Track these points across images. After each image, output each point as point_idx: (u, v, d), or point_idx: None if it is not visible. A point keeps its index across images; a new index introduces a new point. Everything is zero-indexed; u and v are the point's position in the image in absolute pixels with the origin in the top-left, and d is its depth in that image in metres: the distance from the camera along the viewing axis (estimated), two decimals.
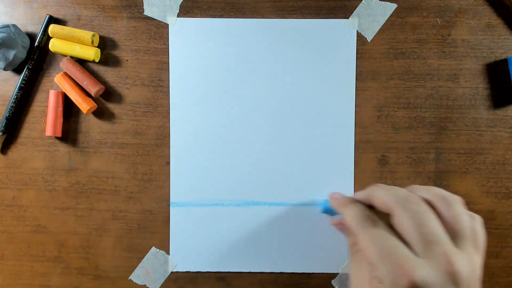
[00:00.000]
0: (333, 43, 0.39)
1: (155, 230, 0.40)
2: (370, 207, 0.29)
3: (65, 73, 0.39)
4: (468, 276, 0.24)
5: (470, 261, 0.24)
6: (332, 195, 0.34)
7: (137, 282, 0.40)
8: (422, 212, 0.25)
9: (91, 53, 0.38)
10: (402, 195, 0.27)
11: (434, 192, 0.27)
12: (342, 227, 0.34)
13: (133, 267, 0.40)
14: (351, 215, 0.28)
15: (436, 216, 0.26)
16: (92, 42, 0.38)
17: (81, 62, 0.39)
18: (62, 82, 0.39)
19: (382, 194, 0.27)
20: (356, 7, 0.39)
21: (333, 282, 0.40)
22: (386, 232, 0.26)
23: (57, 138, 0.40)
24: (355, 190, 0.39)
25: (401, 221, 0.26)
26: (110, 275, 0.40)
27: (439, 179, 0.39)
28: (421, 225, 0.25)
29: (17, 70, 0.39)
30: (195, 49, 0.39)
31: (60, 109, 0.39)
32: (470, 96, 0.39)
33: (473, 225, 0.26)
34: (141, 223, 0.40)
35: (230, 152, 0.39)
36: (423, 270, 0.23)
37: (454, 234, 0.25)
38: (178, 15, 0.39)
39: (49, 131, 0.39)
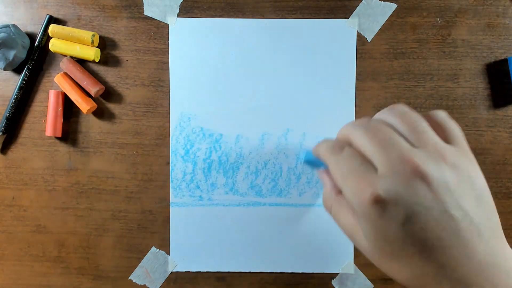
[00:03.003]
0: (333, 43, 0.39)
1: (155, 230, 0.40)
2: None
3: (65, 73, 0.39)
4: (446, 179, 0.22)
5: (442, 163, 0.23)
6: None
7: (137, 282, 0.40)
8: (373, 126, 0.25)
9: (91, 53, 0.38)
10: (356, 122, 0.26)
11: (392, 112, 0.26)
12: (322, 173, 0.32)
13: (133, 267, 0.40)
14: (322, 149, 0.27)
15: (389, 127, 0.25)
16: (92, 42, 0.38)
17: (81, 62, 0.39)
18: (62, 82, 0.39)
19: (343, 129, 0.27)
20: (356, 7, 0.39)
21: (333, 282, 0.40)
22: (349, 155, 0.25)
23: (57, 138, 0.40)
24: None
25: (357, 140, 0.25)
26: (110, 275, 0.40)
27: None
28: (374, 134, 0.24)
29: (17, 70, 0.39)
30: (195, 49, 0.39)
31: (60, 109, 0.39)
32: (470, 96, 0.39)
33: (439, 118, 0.26)
34: (141, 223, 0.40)
35: (230, 151, 0.39)
36: (383, 180, 0.23)
37: (418, 140, 0.24)
38: (178, 15, 0.39)
39: (49, 131, 0.39)
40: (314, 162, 0.30)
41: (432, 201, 0.22)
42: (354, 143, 0.25)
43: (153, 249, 0.40)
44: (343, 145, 0.26)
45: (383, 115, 0.26)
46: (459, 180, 0.23)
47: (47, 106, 0.39)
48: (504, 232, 0.39)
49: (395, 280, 0.25)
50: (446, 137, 0.25)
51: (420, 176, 0.22)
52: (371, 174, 0.23)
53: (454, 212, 0.22)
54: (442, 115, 0.26)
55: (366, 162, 0.24)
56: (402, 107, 0.26)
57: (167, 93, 0.39)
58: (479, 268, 0.22)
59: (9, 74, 0.40)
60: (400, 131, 0.25)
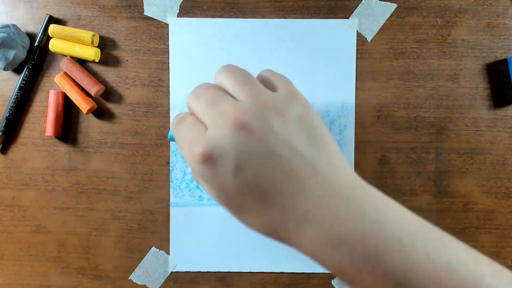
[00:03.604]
0: (333, 43, 0.39)
1: (155, 230, 0.40)
2: None
3: (65, 73, 0.39)
4: (269, 123, 0.23)
5: (264, 110, 0.24)
6: None
7: (137, 282, 0.40)
8: (202, 89, 0.26)
9: (91, 53, 0.38)
10: (193, 89, 0.27)
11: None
12: None
13: (133, 267, 0.40)
14: (172, 123, 0.28)
15: (216, 87, 0.26)
16: (92, 42, 0.38)
17: (81, 62, 0.39)
18: (62, 82, 0.39)
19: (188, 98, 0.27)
20: (356, 7, 0.39)
21: (333, 282, 0.40)
22: (187, 123, 0.25)
23: (57, 138, 0.40)
24: None
25: (191, 105, 0.26)
26: (110, 275, 0.40)
27: (439, 179, 0.39)
28: (202, 96, 0.25)
29: (17, 70, 0.39)
30: (195, 49, 0.39)
31: (60, 109, 0.39)
32: (470, 96, 0.39)
33: (264, 74, 0.27)
34: (141, 223, 0.40)
35: None
36: (208, 138, 0.23)
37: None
38: (178, 15, 0.39)
39: (49, 131, 0.39)
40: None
41: (257, 147, 0.23)
42: (191, 109, 0.26)
43: (153, 249, 0.40)
44: (184, 116, 0.26)
45: (216, 78, 0.27)
46: (284, 120, 0.23)
47: (47, 106, 0.39)
48: (504, 232, 0.39)
49: (256, 232, 0.25)
50: (272, 87, 0.26)
51: (240, 125, 0.23)
52: (201, 135, 0.24)
53: (282, 151, 0.23)
54: (267, 71, 0.27)
55: (199, 126, 0.25)
56: (230, 66, 0.27)
57: (167, 93, 0.39)
58: (319, 201, 0.22)
59: (9, 74, 0.40)
60: (227, 88, 0.25)
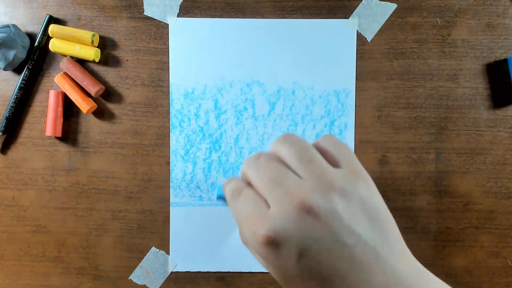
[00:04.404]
0: (333, 43, 0.39)
1: (155, 230, 0.40)
2: None
3: (65, 73, 0.39)
4: (334, 207, 0.22)
5: (329, 191, 0.23)
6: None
7: (137, 282, 0.40)
8: (263, 163, 0.25)
9: (91, 53, 0.38)
10: (250, 160, 0.26)
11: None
12: None
13: (133, 267, 0.40)
14: (226, 192, 0.27)
15: (278, 161, 0.25)
16: (92, 42, 0.38)
17: (81, 62, 0.39)
18: (62, 82, 0.39)
19: (242, 167, 0.27)
20: (356, 7, 0.39)
21: None
22: (245, 198, 0.25)
23: (57, 138, 0.40)
24: None
25: (252, 179, 0.25)
26: (110, 275, 0.40)
27: (439, 179, 0.39)
28: (264, 172, 0.24)
29: (17, 70, 0.39)
30: (195, 49, 0.39)
31: (60, 109, 0.39)
32: (470, 96, 0.39)
33: (325, 143, 0.26)
34: (141, 223, 0.40)
35: (230, 151, 0.39)
36: (273, 220, 0.22)
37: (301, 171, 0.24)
38: (178, 15, 0.39)
39: (49, 131, 0.39)
40: (223, 197, 0.30)
41: (322, 233, 0.22)
42: (251, 182, 0.25)
43: (153, 249, 0.40)
44: (241, 187, 0.26)
45: (275, 147, 0.26)
46: (348, 204, 0.23)
47: (47, 106, 0.39)
48: (504, 232, 0.39)
49: None
50: (334, 161, 0.25)
51: (306, 209, 0.22)
52: (263, 215, 0.23)
53: (346, 239, 0.22)
54: (328, 139, 0.26)
55: (261, 202, 0.24)
56: (291, 137, 0.25)
57: (167, 93, 0.39)
58: None
59: (9, 74, 0.40)
60: (289, 164, 0.25)
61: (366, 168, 0.39)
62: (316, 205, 0.22)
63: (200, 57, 0.39)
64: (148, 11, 0.39)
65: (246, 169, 0.26)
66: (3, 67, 0.38)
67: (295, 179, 0.23)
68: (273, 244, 0.22)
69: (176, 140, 0.39)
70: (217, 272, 0.40)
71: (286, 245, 0.22)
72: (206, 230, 0.40)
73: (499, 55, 0.39)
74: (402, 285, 0.22)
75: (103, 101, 0.40)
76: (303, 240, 0.22)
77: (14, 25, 0.38)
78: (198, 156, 0.39)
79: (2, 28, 0.37)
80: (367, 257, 0.22)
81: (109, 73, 0.40)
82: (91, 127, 0.40)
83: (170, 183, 0.40)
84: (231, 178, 0.28)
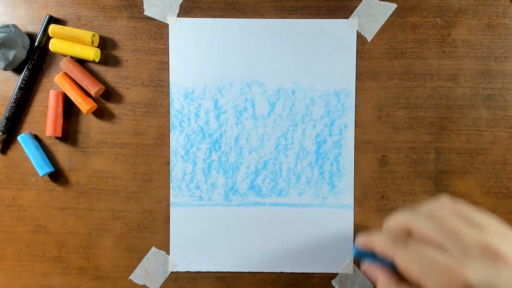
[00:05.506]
0: (333, 43, 0.39)
1: (155, 230, 0.40)
2: None
3: (65, 73, 0.39)
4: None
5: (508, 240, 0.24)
6: (358, 239, 0.33)
7: (137, 282, 0.40)
8: (436, 214, 0.25)
9: (91, 53, 0.38)
10: (412, 212, 0.26)
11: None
12: (373, 268, 0.32)
13: (133, 267, 0.40)
14: (380, 244, 0.27)
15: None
16: (92, 42, 0.38)
17: (81, 62, 0.39)
18: (62, 82, 0.39)
19: (398, 218, 0.27)
20: (356, 7, 0.39)
21: (333, 282, 0.40)
22: (419, 245, 0.25)
23: (57, 138, 0.40)
24: (355, 191, 0.39)
25: (423, 229, 0.25)
26: (110, 275, 0.40)
27: (439, 179, 0.39)
28: (441, 223, 0.25)
29: (17, 70, 0.39)
30: (195, 49, 0.39)
31: (60, 109, 0.39)
32: (470, 96, 0.39)
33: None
34: (141, 223, 0.40)
35: (230, 151, 0.39)
36: (471, 268, 0.23)
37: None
38: (178, 15, 0.39)
39: (49, 131, 0.39)
40: (362, 254, 0.30)
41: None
42: (420, 233, 0.25)
43: (153, 249, 0.40)
44: (401, 236, 0.26)
45: (433, 206, 0.26)
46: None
47: (47, 106, 0.39)
48: None
49: None
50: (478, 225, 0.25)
51: (499, 258, 0.23)
52: (455, 263, 0.23)
53: None
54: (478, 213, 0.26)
55: (441, 251, 0.24)
56: (446, 200, 0.26)
57: (167, 93, 0.39)
58: None
59: (9, 74, 0.40)
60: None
61: (366, 168, 0.39)
62: (506, 253, 0.23)
63: (200, 57, 0.39)
64: (148, 11, 0.39)
65: (410, 220, 0.26)
66: (3, 67, 0.38)
67: (473, 231, 0.24)
68: None
69: (176, 140, 0.39)
70: (217, 272, 0.40)
71: None
72: (206, 230, 0.40)
73: (499, 55, 0.39)
74: None
75: (103, 101, 0.40)
76: None
77: (14, 25, 0.38)
78: (198, 156, 0.39)
79: (2, 28, 0.37)
80: None
81: (109, 73, 0.40)
82: (91, 127, 0.40)
83: (170, 183, 0.40)
84: (373, 234, 0.28)
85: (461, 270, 0.23)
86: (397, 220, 0.27)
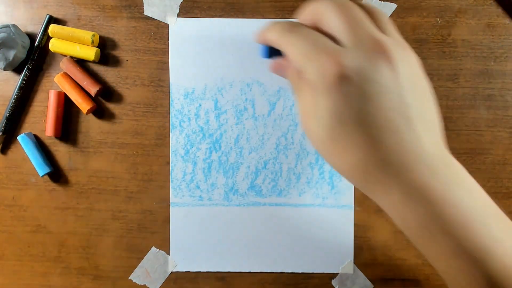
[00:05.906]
0: None
1: (155, 230, 0.40)
2: None
3: (65, 73, 0.39)
4: (407, 63, 0.23)
5: (404, 49, 0.24)
6: (256, 35, 0.29)
7: (137, 282, 0.40)
8: (344, 5, 0.24)
9: (91, 53, 0.38)
10: (323, 1, 0.25)
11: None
12: (281, 67, 0.30)
13: (133, 267, 0.40)
14: (275, 32, 0.25)
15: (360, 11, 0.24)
16: (92, 42, 0.38)
17: (81, 62, 0.39)
18: (62, 82, 0.39)
19: (311, 6, 0.25)
20: None
21: (333, 282, 0.40)
22: (308, 32, 0.24)
23: (57, 138, 0.40)
24: (355, 190, 0.39)
25: (328, 16, 0.24)
26: (110, 275, 0.40)
27: None
28: (346, 13, 0.23)
29: (17, 70, 0.39)
30: (195, 49, 0.39)
31: (60, 109, 0.39)
32: (470, 96, 0.39)
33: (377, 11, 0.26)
34: (141, 223, 0.40)
35: (230, 151, 0.39)
36: (350, 56, 0.22)
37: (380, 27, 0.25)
38: (178, 15, 0.39)
39: (49, 131, 0.39)
40: (269, 51, 0.27)
41: (392, 82, 0.22)
42: (324, 19, 0.24)
43: (153, 249, 0.40)
44: (296, 24, 0.25)
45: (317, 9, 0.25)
46: (413, 72, 0.24)
47: (47, 106, 0.39)
48: None
49: (337, 170, 0.24)
50: (383, 30, 0.25)
51: (385, 55, 0.22)
52: (337, 50, 0.23)
53: (409, 99, 0.23)
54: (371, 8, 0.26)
55: (329, 39, 0.24)
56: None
57: (167, 93, 0.39)
58: (426, 158, 0.22)
59: (9, 74, 0.40)
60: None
61: None
62: (394, 54, 0.23)
63: (200, 57, 0.39)
64: (148, 11, 0.39)
65: (320, 7, 0.25)
66: (3, 67, 0.38)
67: (375, 29, 0.24)
68: (345, 79, 0.22)
69: (176, 140, 0.39)
70: (217, 272, 0.40)
71: (356, 82, 0.22)
72: (206, 230, 0.40)
73: (499, 55, 0.39)
74: (422, 163, 0.22)
75: (103, 101, 0.40)
76: (374, 83, 0.22)
77: (14, 25, 0.38)
78: (198, 156, 0.39)
79: (2, 28, 0.37)
80: (421, 126, 0.23)
81: (109, 73, 0.40)
82: (91, 127, 0.40)
83: (170, 183, 0.40)
84: (271, 23, 0.26)
85: (341, 56, 0.22)
86: (308, 9, 0.26)
